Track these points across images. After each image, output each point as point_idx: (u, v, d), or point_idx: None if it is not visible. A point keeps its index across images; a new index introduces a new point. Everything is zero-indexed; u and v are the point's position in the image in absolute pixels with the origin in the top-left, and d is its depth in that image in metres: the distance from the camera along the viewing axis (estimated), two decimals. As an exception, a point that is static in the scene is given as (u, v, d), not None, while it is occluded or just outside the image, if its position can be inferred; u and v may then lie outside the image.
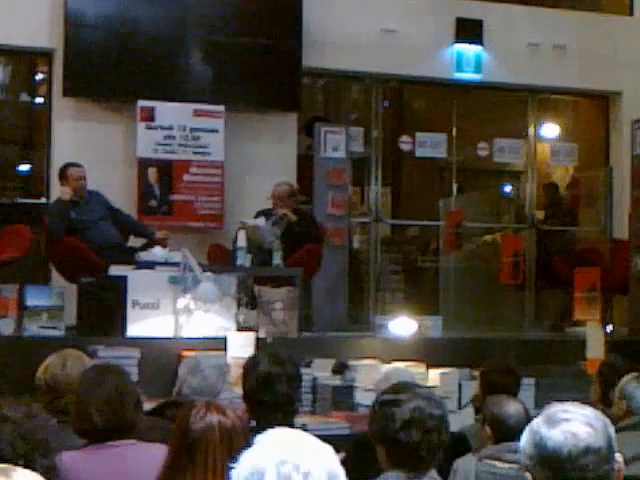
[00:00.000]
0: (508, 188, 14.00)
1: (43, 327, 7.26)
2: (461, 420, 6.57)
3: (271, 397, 4.40)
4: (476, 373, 6.82)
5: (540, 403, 7.07)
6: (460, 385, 7.54)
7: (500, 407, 4.97)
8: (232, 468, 2.04)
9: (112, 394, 3.89)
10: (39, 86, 11.21)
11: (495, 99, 12.56)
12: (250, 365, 4.58)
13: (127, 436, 3.89)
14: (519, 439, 2.35)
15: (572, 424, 2.47)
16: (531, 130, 12.38)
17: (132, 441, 3.89)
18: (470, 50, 11.67)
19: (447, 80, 11.74)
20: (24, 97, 11.67)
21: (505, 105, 12.68)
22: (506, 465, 4.66)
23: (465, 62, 11.68)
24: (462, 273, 12.47)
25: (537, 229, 12.31)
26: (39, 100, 11.21)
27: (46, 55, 10.44)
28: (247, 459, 2.03)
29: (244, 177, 10.63)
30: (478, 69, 11.72)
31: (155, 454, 3.56)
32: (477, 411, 6.23)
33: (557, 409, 2.53)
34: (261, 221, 9.18)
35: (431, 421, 3.45)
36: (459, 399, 7.48)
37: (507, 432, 4.83)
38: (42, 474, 2.11)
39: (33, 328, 7.25)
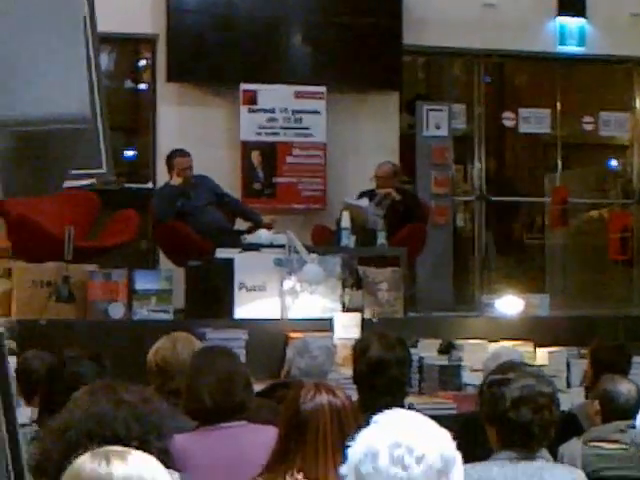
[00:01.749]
0: (614, 162, 13.75)
1: (152, 310, 7.36)
2: (570, 399, 6.51)
3: (382, 381, 4.38)
4: (585, 351, 6.75)
5: (651, 381, 6.95)
6: (569, 364, 7.45)
7: (614, 384, 4.91)
8: (347, 447, 2.05)
9: (223, 375, 3.93)
10: (143, 72, 11.35)
11: (599, 72, 12.33)
12: (360, 349, 4.57)
13: (238, 417, 3.93)
14: (627, 418, 2.32)
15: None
16: (637, 102, 12.12)
17: (242, 422, 3.93)
18: (573, 23, 11.47)
19: (550, 54, 11.57)
20: (128, 84, 11.83)
21: (610, 77, 12.43)
22: (613, 446, 4.60)
23: (568, 35, 11.49)
24: (568, 250, 12.30)
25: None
26: (143, 86, 11.36)
27: (149, 41, 10.57)
28: (362, 439, 2.03)
29: (346, 158, 10.63)
30: (582, 42, 11.52)
31: (265, 435, 3.60)
32: (587, 390, 6.16)
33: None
34: (364, 201, 9.18)
35: (541, 399, 3.42)
36: (567, 378, 7.39)
37: (616, 410, 4.77)
38: (156, 456, 2.15)
39: (143, 312, 7.34)
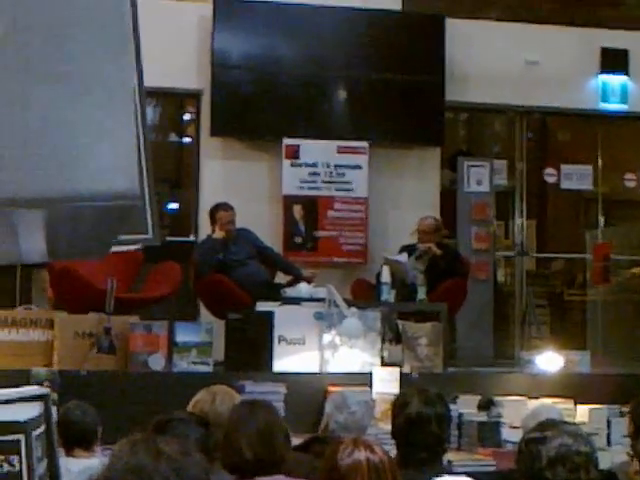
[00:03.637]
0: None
1: (192, 363, 7.39)
2: (611, 458, 6.45)
3: (421, 437, 4.36)
4: (626, 409, 6.69)
5: (694, 441, 6.87)
6: (609, 422, 7.40)
7: (652, 444, 4.86)
8: None
9: (262, 428, 3.93)
10: (187, 126, 11.50)
11: (642, 129, 12.33)
12: (400, 404, 4.56)
13: (276, 471, 3.92)
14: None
15: None
16: (679, 160, 12.10)
17: (280, 477, 3.93)
18: (615, 80, 11.49)
19: (592, 111, 11.58)
20: (173, 137, 11.98)
21: (652, 135, 12.43)
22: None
23: (611, 92, 11.51)
24: (610, 306, 12.22)
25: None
26: (187, 140, 11.51)
27: (194, 96, 10.71)
28: None
29: (387, 212, 10.67)
30: (624, 99, 11.54)
31: (303, 490, 3.60)
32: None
33: None
34: (403, 257, 9.20)
35: (578, 458, 3.40)
36: (608, 436, 7.34)
37: (656, 469, 4.72)
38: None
39: (183, 364, 7.38)
